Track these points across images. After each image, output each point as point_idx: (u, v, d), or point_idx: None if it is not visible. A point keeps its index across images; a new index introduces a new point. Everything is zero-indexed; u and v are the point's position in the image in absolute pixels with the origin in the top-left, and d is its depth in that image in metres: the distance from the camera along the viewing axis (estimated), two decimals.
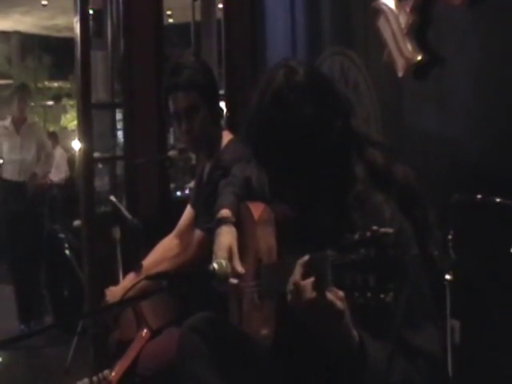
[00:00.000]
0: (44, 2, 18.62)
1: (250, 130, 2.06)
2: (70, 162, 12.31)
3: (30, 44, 21.89)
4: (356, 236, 1.64)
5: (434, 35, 3.60)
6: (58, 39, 22.05)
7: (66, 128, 20.82)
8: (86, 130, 5.10)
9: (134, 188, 5.19)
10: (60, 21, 20.09)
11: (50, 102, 22.58)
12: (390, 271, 1.61)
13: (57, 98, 22.23)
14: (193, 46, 9.31)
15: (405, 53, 3.71)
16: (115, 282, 3.57)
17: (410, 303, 1.89)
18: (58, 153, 12.11)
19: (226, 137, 3.35)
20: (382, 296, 1.60)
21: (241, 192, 2.64)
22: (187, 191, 7.47)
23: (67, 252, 5.85)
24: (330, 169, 2.03)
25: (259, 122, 2.02)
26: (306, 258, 1.77)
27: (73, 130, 20.81)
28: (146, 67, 5.26)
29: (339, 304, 1.72)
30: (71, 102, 21.36)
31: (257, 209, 2.44)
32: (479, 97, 3.36)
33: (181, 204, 4.00)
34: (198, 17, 12.98)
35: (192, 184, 6.70)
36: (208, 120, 3.25)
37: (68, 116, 21.23)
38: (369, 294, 1.61)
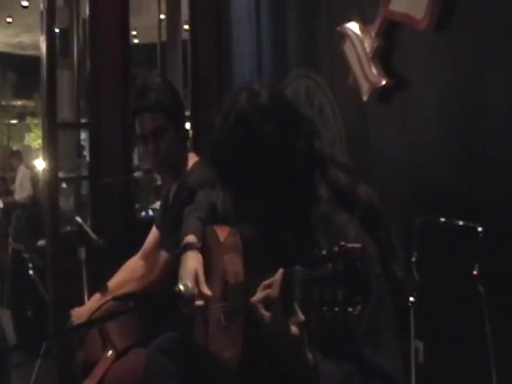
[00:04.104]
0: (9, 20, 18.54)
1: (214, 152, 2.08)
2: (34, 180, 12.26)
3: None
4: (324, 251, 1.66)
5: (398, 60, 3.66)
6: (22, 57, 21.95)
7: (29, 146, 20.71)
8: (51, 149, 5.08)
9: (99, 208, 5.18)
10: (25, 38, 20.01)
11: (14, 121, 22.43)
12: (358, 285, 1.63)
13: (21, 116, 22.11)
14: (159, 67, 9.31)
15: (370, 77, 3.76)
16: (81, 303, 3.56)
17: (373, 321, 1.90)
18: (22, 171, 12.06)
19: (192, 159, 3.36)
20: (349, 309, 1.62)
21: (206, 217, 2.65)
22: (151, 212, 7.46)
23: (31, 272, 5.81)
24: (294, 189, 2.04)
25: (223, 145, 2.04)
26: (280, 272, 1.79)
27: (37, 149, 20.73)
28: (112, 87, 5.26)
29: (294, 330, 1.74)
30: (35, 121, 21.25)
31: (223, 232, 2.45)
32: (443, 121, 3.40)
33: (145, 224, 4.00)
34: (163, 37, 13.00)
35: (156, 205, 6.70)
36: (174, 142, 3.26)
37: (32, 134, 21.11)
38: (337, 308, 1.63)
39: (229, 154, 2.02)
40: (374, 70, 3.74)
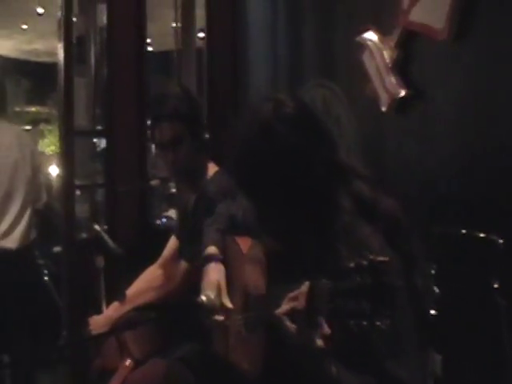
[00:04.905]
0: (24, 27, 18.56)
1: (237, 162, 2.08)
2: (48, 187, 12.20)
3: (8, 67, 21.74)
4: (352, 264, 1.65)
5: (418, 70, 3.64)
6: (36, 64, 21.97)
7: (43, 153, 20.67)
8: (67, 156, 5.10)
9: (114, 215, 5.17)
10: (39, 45, 20.01)
11: (28, 127, 22.40)
12: (386, 298, 1.62)
13: (34, 122, 22.08)
14: (176, 74, 9.26)
15: (388, 88, 3.75)
16: (98, 311, 3.55)
17: (395, 334, 1.89)
18: None
19: (212, 168, 3.35)
20: (378, 324, 1.62)
21: (226, 229, 2.64)
22: (164, 219, 7.45)
23: (46, 278, 5.81)
24: (316, 201, 2.04)
25: (246, 154, 2.04)
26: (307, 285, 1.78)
27: (50, 155, 20.71)
28: (128, 94, 5.27)
29: (319, 342, 1.73)
30: (49, 127, 21.26)
31: (244, 243, 2.45)
32: (462, 132, 3.38)
33: (159, 232, 3.97)
34: (177, 45, 13.01)
35: (170, 212, 6.69)
36: (193, 151, 3.26)
37: (45, 141, 21.08)
38: (365, 322, 1.62)
39: (252, 163, 2.02)
40: (392, 81, 3.73)
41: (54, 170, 19.37)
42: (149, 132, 3.99)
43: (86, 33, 6.14)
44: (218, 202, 2.86)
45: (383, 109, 3.79)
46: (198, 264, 2.56)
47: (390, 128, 3.84)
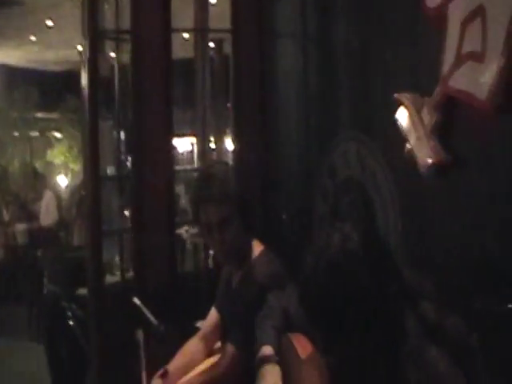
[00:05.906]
0: (33, 38, 18.60)
1: (304, 295, 2.10)
2: (59, 205, 12.21)
3: (17, 77, 21.74)
4: None
5: (457, 136, 3.58)
6: (44, 72, 22.06)
7: (51, 163, 20.65)
8: (94, 203, 5.07)
9: (142, 261, 5.13)
10: (47, 56, 20.10)
11: (36, 134, 22.28)
12: None
13: (43, 131, 21.93)
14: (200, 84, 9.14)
15: (427, 151, 3.69)
16: None
17: None
18: (47, 197, 11.97)
19: (258, 247, 3.30)
20: None
21: (280, 325, 2.61)
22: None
23: (71, 322, 5.78)
24: (383, 327, 2.06)
25: (313, 289, 2.06)
26: None
27: (59, 165, 20.73)
28: (155, 135, 5.22)
29: None
30: (57, 136, 21.20)
31: (300, 343, 2.42)
32: (503, 199, 3.33)
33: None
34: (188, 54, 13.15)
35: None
36: (242, 231, 3.21)
37: (54, 151, 20.95)
38: None
39: (319, 297, 2.04)
40: (431, 145, 3.67)
41: (62, 181, 19.37)
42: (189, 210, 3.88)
43: (110, 73, 6.08)
44: (268, 289, 2.84)
45: (421, 171, 3.74)
46: (255, 366, 2.52)
47: (428, 191, 3.79)
